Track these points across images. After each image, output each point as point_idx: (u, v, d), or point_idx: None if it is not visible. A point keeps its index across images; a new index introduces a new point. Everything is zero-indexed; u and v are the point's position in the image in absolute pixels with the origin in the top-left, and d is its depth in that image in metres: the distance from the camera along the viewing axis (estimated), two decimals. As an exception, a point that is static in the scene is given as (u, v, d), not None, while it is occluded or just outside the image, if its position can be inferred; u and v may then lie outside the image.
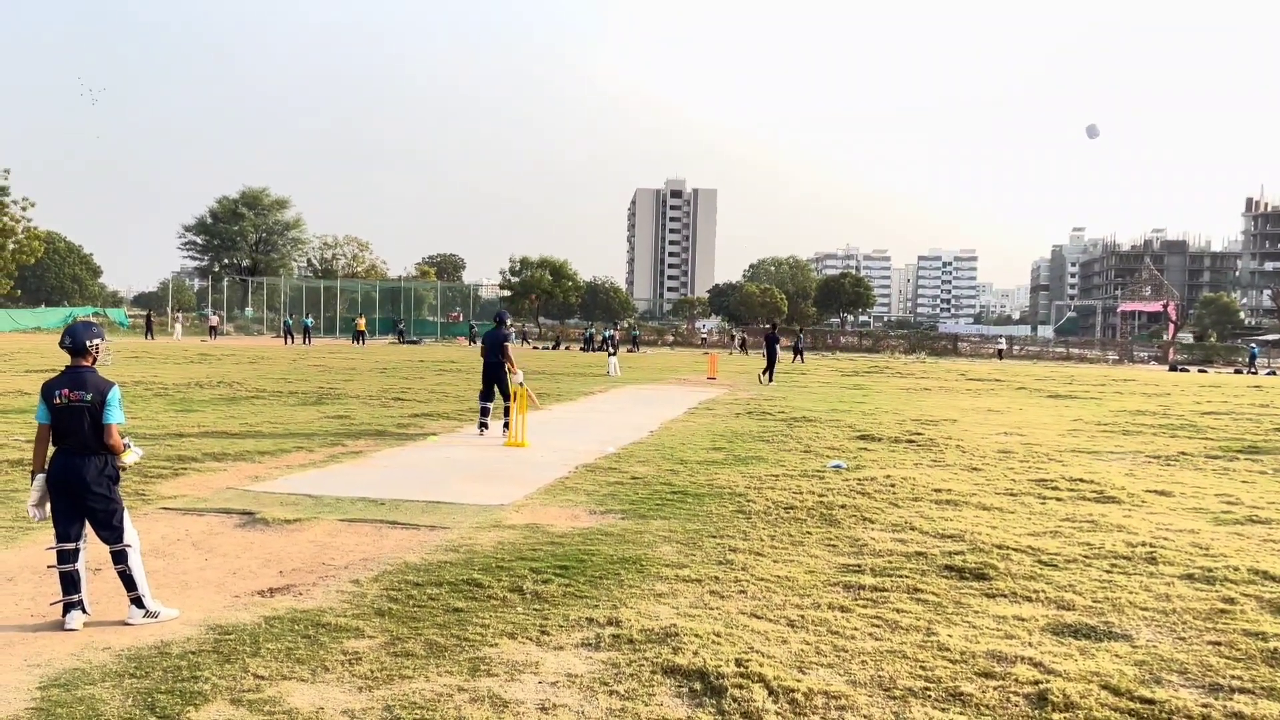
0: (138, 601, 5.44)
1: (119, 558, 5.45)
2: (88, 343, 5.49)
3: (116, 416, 5.43)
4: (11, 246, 58.92)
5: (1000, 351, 68.57)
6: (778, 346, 30.22)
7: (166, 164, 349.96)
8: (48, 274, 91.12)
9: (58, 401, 5.36)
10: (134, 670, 4.68)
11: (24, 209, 59.73)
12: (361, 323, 58.73)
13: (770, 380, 28.80)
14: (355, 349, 49.26)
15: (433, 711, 4.27)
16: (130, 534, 5.52)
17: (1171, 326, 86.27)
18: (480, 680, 4.67)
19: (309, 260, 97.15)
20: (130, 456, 5.59)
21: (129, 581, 5.44)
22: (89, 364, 5.50)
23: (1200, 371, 55.03)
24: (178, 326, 57.61)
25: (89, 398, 5.34)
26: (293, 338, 55.58)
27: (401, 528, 7.96)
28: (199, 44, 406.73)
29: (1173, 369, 57.47)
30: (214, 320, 61.87)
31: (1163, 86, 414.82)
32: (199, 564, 6.74)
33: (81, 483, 5.36)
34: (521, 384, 13.82)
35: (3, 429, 13.23)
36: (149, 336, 54.23)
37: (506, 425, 13.77)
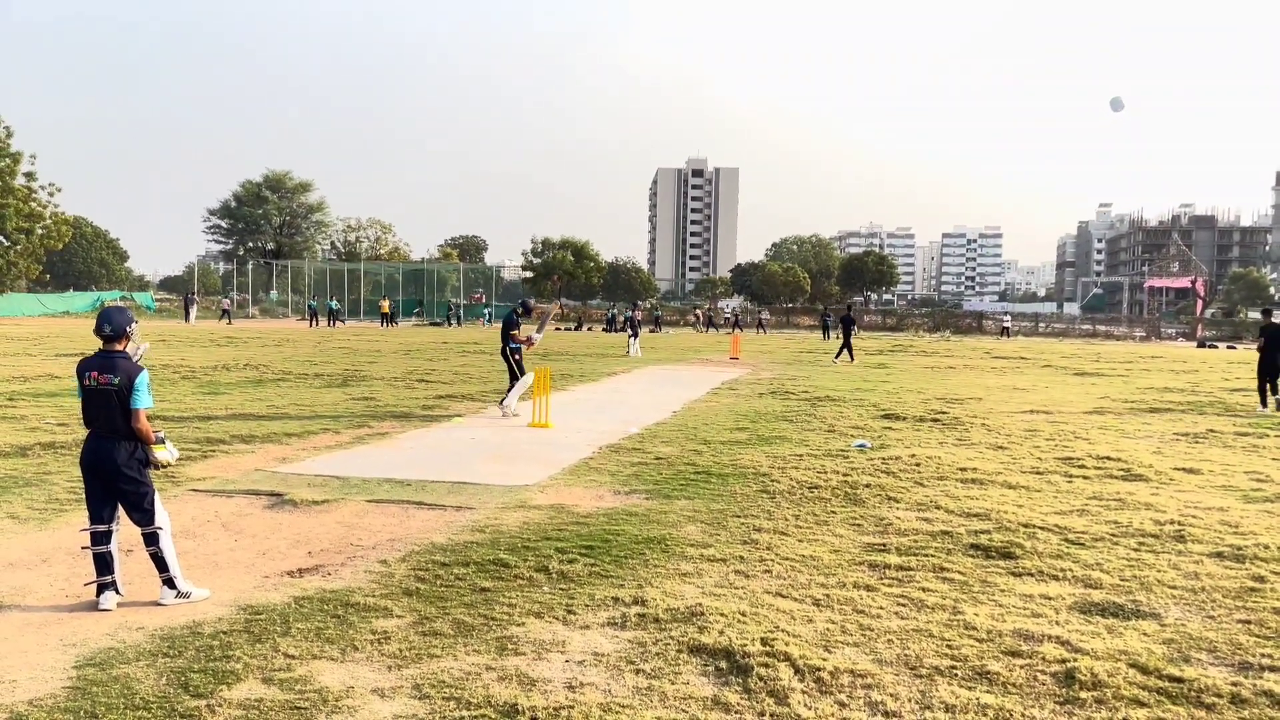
0: (170, 583, 5.51)
1: (150, 540, 5.52)
2: (127, 328, 5.57)
3: (144, 401, 5.47)
4: (39, 232, 59.36)
5: (1005, 330, 65.94)
6: (854, 326, 31.67)
7: (191, 149, 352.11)
8: (75, 259, 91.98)
9: (87, 383, 5.44)
10: (167, 650, 4.75)
11: (51, 194, 60.13)
12: (386, 304, 59.00)
13: (851, 359, 29.58)
14: (380, 331, 49.52)
15: (461, 690, 4.31)
16: (161, 516, 5.58)
17: (1199, 303, 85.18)
18: (508, 659, 4.71)
19: (333, 243, 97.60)
20: (164, 454, 5.63)
21: (161, 563, 5.51)
22: (121, 349, 5.56)
23: (1229, 348, 54.39)
24: (192, 310, 57.73)
25: (117, 381, 5.39)
26: (318, 320, 55.92)
27: (428, 508, 8.01)
28: (224, 29, 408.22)
29: (1201, 345, 56.80)
30: (226, 303, 61.68)
31: (1191, 59, 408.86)
32: (229, 545, 6.81)
33: (113, 466, 5.43)
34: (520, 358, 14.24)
35: (35, 412, 13.40)
36: (188, 320, 54.59)
37: (501, 402, 14.39)
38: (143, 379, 5.47)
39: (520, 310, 15.94)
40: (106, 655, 4.67)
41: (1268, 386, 17.19)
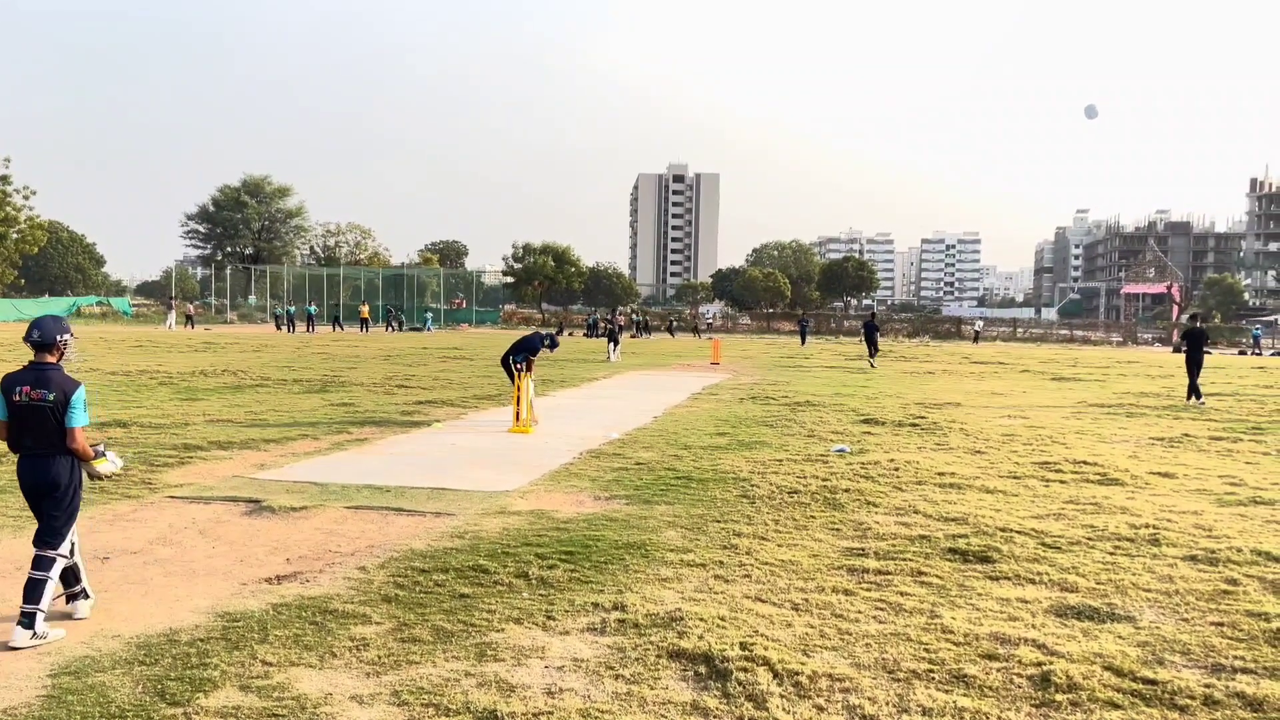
0: (30, 618, 4.93)
1: (43, 564, 5.09)
2: (57, 338, 5.16)
3: (81, 419, 5.13)
4: (14, 236, 58.89)
5: (977, 334, 66.32)
6: (877, 334, 33.18)
7: (169, 153, 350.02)
8: (51, 263, 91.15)
9: (17, 399, 5.04)
10: (143, 658, 4.72)
11: (26, 198, 59.67)
12: (365, 310, 58.71)
13: (872, 361, 30.92)
14: (359, 336, 49.30)
15: (440, 696, 4.31)
16: (66, 546, 5.20)
17: (1175, 308, 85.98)
18: (487, 665, 4.70)
19: (312, 248, 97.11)
20: (106, 466, 5.37)
21: (36, 593, 4.99)
22: (54, 361, 5.17)
23: (1204, 353, 54.88)
24: (170, 316, 56.80)
25: (51, 397, 5.03)
26: (293, 326, 55.47)
27: (407, 514, 7.99)
28: (200, 32, 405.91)
29: (1177, 350, 57.25)
30: (190, 309, 59.16)
31: (1166, 66, 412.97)
32: (206, 552, 6.77)
33: (52, 482, 5.11)
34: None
35: (9, 419, 13.27)
36: (190, 326, 53.11)
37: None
38: (79, 395, 5.10)
39: (549, 345, 15.15)
40: (82, 663, 4.64)
41: (1194, 384, 19.73)
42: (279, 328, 54.82)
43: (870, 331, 32.66)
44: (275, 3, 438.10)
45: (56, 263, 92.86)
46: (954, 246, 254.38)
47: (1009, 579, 6.37)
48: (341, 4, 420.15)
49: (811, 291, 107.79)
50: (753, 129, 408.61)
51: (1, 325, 52.61)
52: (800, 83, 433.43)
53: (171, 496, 8.52)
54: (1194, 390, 19.74)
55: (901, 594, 5.97)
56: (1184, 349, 20.06)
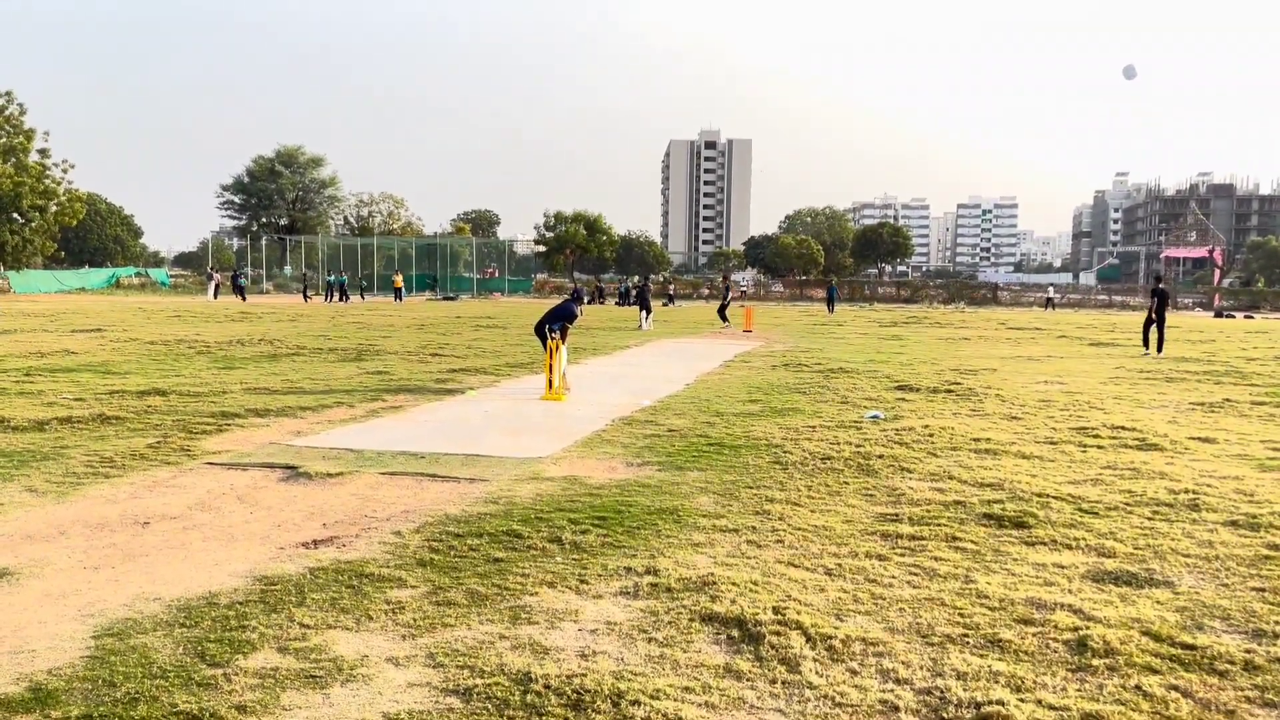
0: None
1: None
2: None
3: None
4: (54, 208, 59.56)
5: (1050, 301, 65.91)
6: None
7: (204, 124, 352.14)
8: (90, 235, 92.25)
9: None
10: (184, 620, 4.79)
11: (64, 171, 60.31)
12: (399, 279, 58.93)
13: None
14: (394, 306, 49.58)
15: (475, 658, 4.34)
16: None
17: (1217, 272, 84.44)
18: (521, 628, 4.74)
19: (345, 218, 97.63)
20: None
21: None
22: None
23: (1247, 318, 53.99)
24: (211, 286, 57.31)
25: None
26: (331, 295, 55.79)
27: (441, 480, 8.05)
28: (236, 2, 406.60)
29: (1218, 315, 56.41)
30: (218, 278, 58.85)
31: (1208, 24, 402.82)
32: (244, 517, 6.86)
33: None
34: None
35: (52, 387, 13.50)
36: (242, 298, 53.62)
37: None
38: None
39: (577, 302, 15.00)
40: (124, 625, 4.72)
41: (1151, 335, 22.93)
42: (326, 298, 54.97)
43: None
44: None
45: (95, 234, 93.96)
46: (990, 211, 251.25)
47: (1045, 544, 6.31)
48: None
49: (845, 258, 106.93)
50: (786, 95, 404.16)
51: (44, 297, 53.45)
52: (834, 47, 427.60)
53: (210, 463, 8.63)
54: (1158, 342, 22.63)
55: (935, 559, 5.93)
56: (1151, 306, 23.52)
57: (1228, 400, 13.88)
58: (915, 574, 5.65)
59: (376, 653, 4.42)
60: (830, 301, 49.14)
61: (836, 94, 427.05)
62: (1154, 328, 22.80)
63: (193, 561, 5.78)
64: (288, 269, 79.34)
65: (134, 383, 14.17)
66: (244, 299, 52.83)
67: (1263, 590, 5.43)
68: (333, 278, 59.60)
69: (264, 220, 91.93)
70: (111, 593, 5.21)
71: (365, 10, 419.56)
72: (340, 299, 54.80)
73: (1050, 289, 72.45)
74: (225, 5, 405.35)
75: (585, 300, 15.59)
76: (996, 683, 4.16)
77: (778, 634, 4.63)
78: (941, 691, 4.08)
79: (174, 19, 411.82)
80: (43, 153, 58.69)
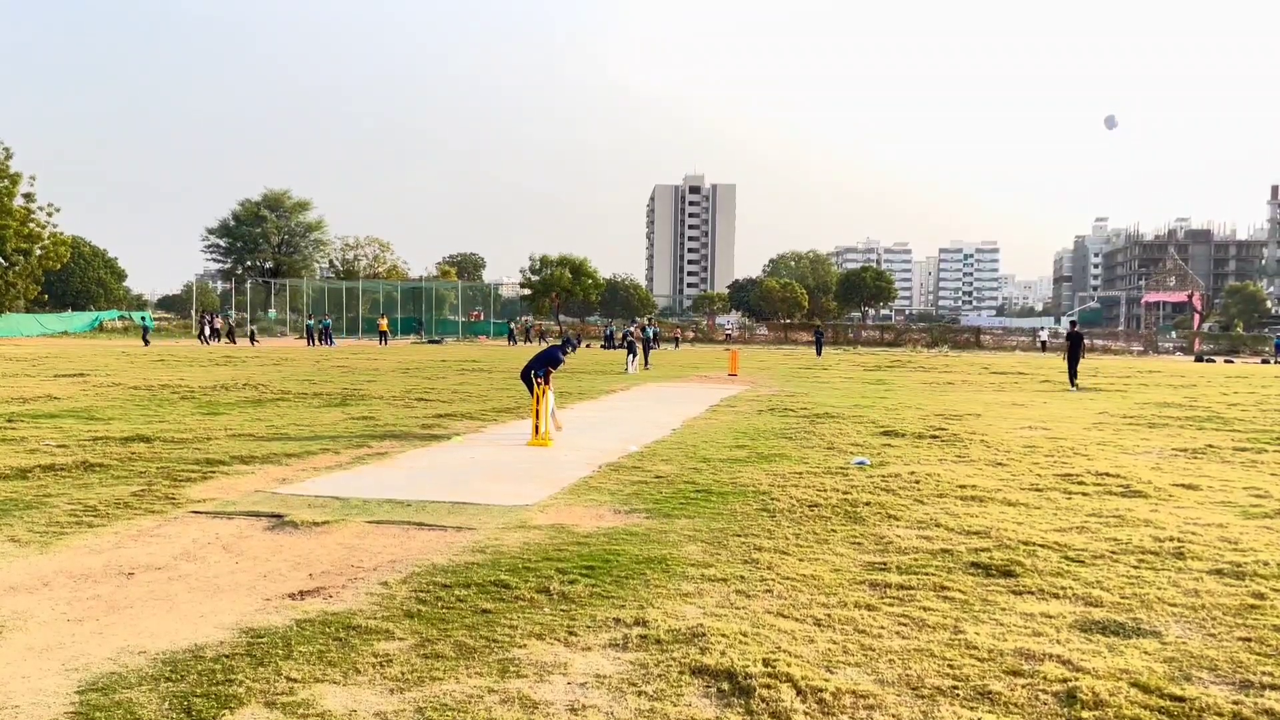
0: None
1: None
2: None
3: None
4: (38, 252, 59.49)
5: (1044, 344, 66.81)
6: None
7: (189, 168, 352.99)
8: (73, 278, 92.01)
9: None
10: (169, 674, 4.75)
11: (49, 214, 60.30)
12: (384, 323, 58.92)
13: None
14: (379, 349, 49.50)
15: (463, 713, 4.32)
16: None
17: (1196, 317, 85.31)
18: (510, 681, 4.71)
19: (331, 261, 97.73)
20: None
21: None
22: None
23: (1226, 362, 54.47)
24: (206, 329, 57.36)
25: None
26: (313, 339, 55.75)
27: (428, 529, 8.01)
28: (217, 45, 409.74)
29: (1198, 360, 56.91)
30: (219, 322, 59.54)
31: (1186, 73, 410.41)
32: (230, 567, 6.81)
33: None
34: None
35: (34, 434, 13.40)
36: (233, 341, 53.81)
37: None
38: None
39: (568, 350, 15.22)
40: (109, 680, 4.67)
41: (1074, 374, 27.26)
42: (309, 343, 55.06)
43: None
44: (294, 15, 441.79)
45: (79, 277, 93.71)
46: (972, 255, 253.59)
47: (1032, 593, 6.33)
48: (361, 18, 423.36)
49: (829, 302, 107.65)
50: (769, 141, 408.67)
51: (26, 340, 53.13)
52: (816, 93, 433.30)
53: (195, 511, 8.57)
54: (1073, 378, 27.14)
55: (924, 609, 5.94)
56: (1067, 348, 28.24)
57: (1210, 446, 13.98)
58: (904, 624, 5.65)
59: (365, 707, 4.38)
60: (818, 345, 49.61)
61: (819, 141, 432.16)
62: (1072, 364, 27.37)
63: (178, 613, 5.73)
64: (272, 312, 79.22)
65: (118, 429, 14.08)
66: (254, 343, 53.11)
67: (1249, 640, 5.45)
68: (312, 321, 59.59)
69: (249, 263, 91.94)
70: (96, 646, 5.16)
71: (354, 56, 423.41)
72: (325, 342, 54.81)
73: (1044, 330, 73.26)
74: (212, 47, 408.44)
75: (574, 348, 15.61)
76: (987, 736, 4.16)
77: (768, 686, 4.62)
78: (932, 745, 4.07)
79: (159, 64, 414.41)
80: (28, 196, 58.70)
